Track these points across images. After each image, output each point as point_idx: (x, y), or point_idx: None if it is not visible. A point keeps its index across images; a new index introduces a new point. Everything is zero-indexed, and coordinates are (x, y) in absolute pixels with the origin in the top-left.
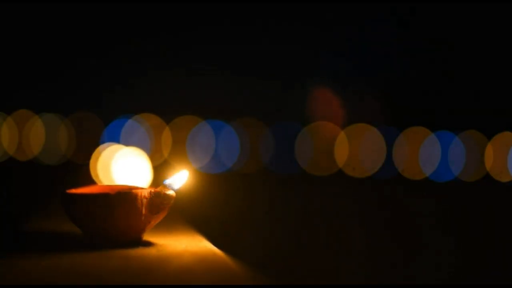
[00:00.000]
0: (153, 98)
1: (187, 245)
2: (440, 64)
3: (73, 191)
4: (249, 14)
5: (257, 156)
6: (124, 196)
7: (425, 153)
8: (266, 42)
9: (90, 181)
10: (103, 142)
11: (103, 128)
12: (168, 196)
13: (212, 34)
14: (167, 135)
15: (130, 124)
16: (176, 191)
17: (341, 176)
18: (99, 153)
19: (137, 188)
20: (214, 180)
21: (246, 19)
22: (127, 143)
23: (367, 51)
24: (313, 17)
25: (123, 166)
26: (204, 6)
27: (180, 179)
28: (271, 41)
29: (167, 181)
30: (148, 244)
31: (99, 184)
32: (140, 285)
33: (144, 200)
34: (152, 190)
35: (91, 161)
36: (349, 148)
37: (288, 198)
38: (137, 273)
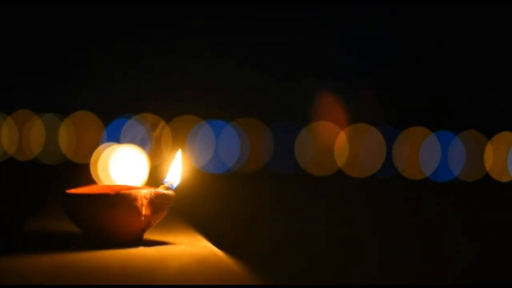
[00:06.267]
0: (153, 98)
1: (187, 245)
2: (440, 64)
3: (73, 191)
4: (248, 14)
5: (257, 156)
6: (124, 196)
7: (425, 153)
8: (265, 42)
9: (90, 181)
10: (103, 142)
11: (103, 128)
12: (168, 196)
13: (212, 34)
14: (167, 135)
15: (130, 124)
16: (176, 190)
17: (341, 176)
18: (99, 153)
19: (137, 188)
20: (214, 180)
21: (245, 19)
22: (127, 143)
23: (367, 50)
24: (313, 17)
25: (123, 166)
26: (204, 6)
27: (177, 169)
28: (270, 41)
29: (167, 181)
30: (148, 244)
31: (99, 184)
32: (140, 285)
33: (144, 200)
34: (152, 190)
35: (91, 161)
36: (349, 148)
37: (288, 198)
38: (137, 273)
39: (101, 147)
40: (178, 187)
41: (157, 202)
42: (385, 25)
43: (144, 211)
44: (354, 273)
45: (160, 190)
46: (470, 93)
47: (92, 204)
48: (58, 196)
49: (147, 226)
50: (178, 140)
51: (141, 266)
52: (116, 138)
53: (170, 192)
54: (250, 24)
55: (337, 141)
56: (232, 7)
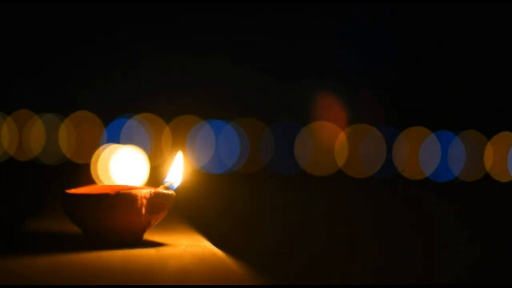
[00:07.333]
0: (153, 98)
1: (187, 245)
2: (440, 64)
3: (73, 191)
4: (249, 14)
5: (257, 156)
6: (124, 196)
7: (425, 153)
8: (265, 42)
9: (90, 181)
10: (103, 142)
11: (103, 128)
12: (168, 196)
13: (212, 34)
14: (167, 135)
15: (130, 124)
16: (176, 190)
17: (341, 176)
18: (99, 153)
19: (137, 188)
20: (214, 180)
21: (245, 19)
22: (127, 143)
23: (367, 50)
24: (313, 17)
25: (123, 166)
26: (204, 6)
27: (178, 170)
28: (270, 41)
29: (167, 181)
30: (148, 244)
31: (99, 184)
32: (140, 285)
33: (144, 200)
34: (152, 190)
35: (91, 161)
36: (349, 148)
37: (288, 198)
38: (137, 273)
39: (101, 147)
40: (178, 187)
41: (157, 202)
42: (385, 25)
43: (144, 211)
44: (354, 273)
45: (160, 190)
46: (470, 93)
47: (92, 204)
48: (58, 196)
49: (147, 226)
50: (178, 140)
51: (141, 266)
52: (116, 138)
53: (170, 192)
54: (250, 24)
55: (337, 141)
56: (232, 7)
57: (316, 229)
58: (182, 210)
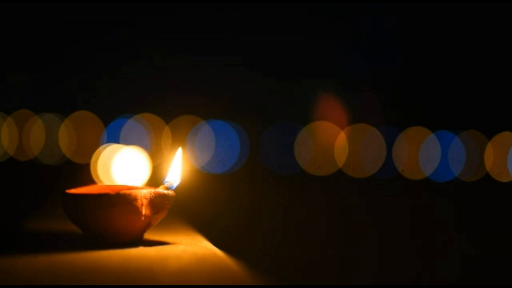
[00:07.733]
0: (153, 98)
1: (187, 245)
2: (440, 64)
3: (73, 191)
4: (249, 14)
5: (257, 156)
6: (124, 196)
7: (425, 153)
8: (265, 42)
9: (90, 181)
10: (103, 142)
11: (103, 128)
12: (168, 196)
13: (212, 34)
14: (167, 135)
15: (130, 124)
16: (176, 190)
17: (341, 176)
18: (99, 153)
19: (137, 188)
20: (214, 180)
21: (245, 19)
22: (127, 143)
23: (367, 50)
24: (313, 17)
25: (123, 166)
26: (204, 6)
27: (177, 168)
28: (270, 41)
29: (167, 181)
30: (148, 244)
31: (99, 184)
32: (140, 285)
33: (144, 200)
34: (152, 190)
35: (91, 161)
36: (349, 148)
37: (288, 198)
38: (136, 273)
39: (101, 147)
40: (178, 187)
41: (157, 202)
42: (385, 25)
43: (144, 211)
44: (354, 273)
45: (160, 190)
46: (470, 93)
47: (92, 204)
48: (58, 196)
49: (147, 226)
50: (178, 140)
51: (141, 266)
52: (116, 138)
53: (170, 192)
54: (250, 24)
55: (337, 141)
56: (232, 7)
57: (315, 229)
58: (182, 210)
